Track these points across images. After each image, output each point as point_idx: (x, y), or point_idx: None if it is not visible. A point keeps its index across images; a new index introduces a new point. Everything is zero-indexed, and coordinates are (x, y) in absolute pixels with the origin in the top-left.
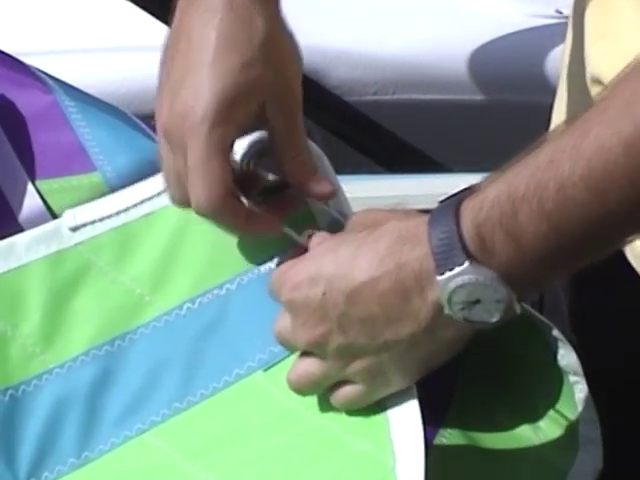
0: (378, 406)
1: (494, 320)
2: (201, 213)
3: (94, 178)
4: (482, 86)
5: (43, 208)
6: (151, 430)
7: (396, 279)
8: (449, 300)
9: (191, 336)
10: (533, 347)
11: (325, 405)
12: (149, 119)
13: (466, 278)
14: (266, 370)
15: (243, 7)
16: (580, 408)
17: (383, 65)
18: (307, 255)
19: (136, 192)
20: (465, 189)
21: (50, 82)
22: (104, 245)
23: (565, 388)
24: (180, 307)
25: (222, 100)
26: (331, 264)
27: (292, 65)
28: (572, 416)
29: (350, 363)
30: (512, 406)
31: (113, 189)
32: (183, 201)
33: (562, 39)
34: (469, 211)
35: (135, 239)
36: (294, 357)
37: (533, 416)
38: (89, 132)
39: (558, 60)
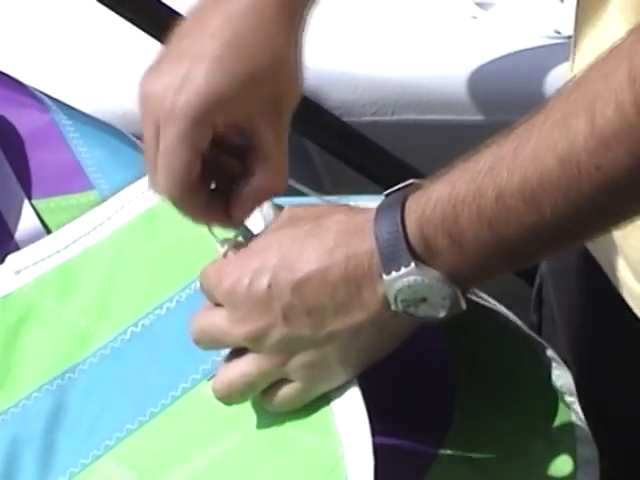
0: (322, 399)
1: (441, 316)
2: (162, 196)
3: (91, 197)
4: (482, 106)
5: (40, 227)
6: (106, 454)
7: (346, 270)
8: (395, 298)
9: (138, 359)
10: (530, 367)
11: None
12: None
13: (412, 279)
14: (210, 379)
15: (268, 19)
16: (577, 428)
17: (382, 86)
18: (247, 250)
19: (72, 230)
20: (409, 184)
21: (48, 101)
22: (47, 283)
23: (562, 408)
24: (125, 332)
25: (213, 98)
26: (275, 257)
27: (292, 89)
28: (569, 437)
29: (290, 358)
30: (511, 426)
31: None
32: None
33: (561, 59)
34: (413, 211)
35: (76, 273)
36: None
37: (532, 437)
38: (86, 151)
39: (558, 80)
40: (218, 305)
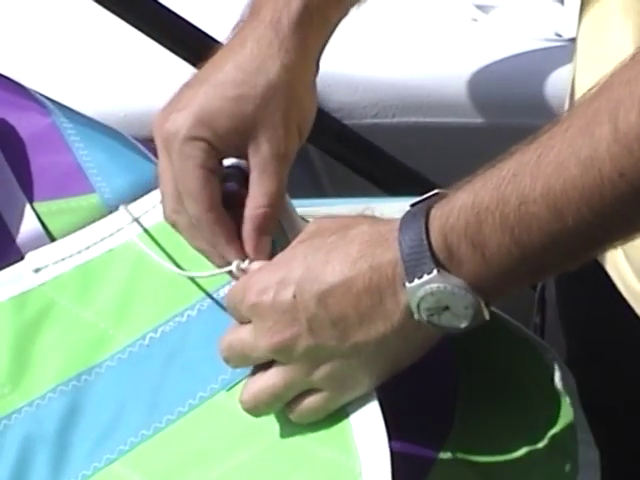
0: (340, 412)
1: (463, 326)
2: (172, 225)
3: (92, 200)
4: (483, 109)
5: (41, 230)
6: (120, 459)
7: (370, 281)
8: (418, 306)
9: (155, 365)
10: (532, 369)
11: (289, 417)
12: (149, 142)
13: (434, 286)
14: (229, 389)
15: (266, 46)
16: (578, 431)
17: (383, 88)
18: (272, 262)
19: (97, 230)
20: (434, 194)
21: (48, 104)
22: (67, 283)
23: (563, 410)
24: (143, 337)
25: (199, 116)
26: (300, 268)
27: (286, 115)
28: (571, 439)
29: (316, 368)
30: (512, 427)
31: (111, 211)
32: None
33: (562, 62)
34: (437, 219)
35: (97, 275)
36: None
37: (533, 438)
38: (87, 154)
39: (559, 83)
40: (244, 323)
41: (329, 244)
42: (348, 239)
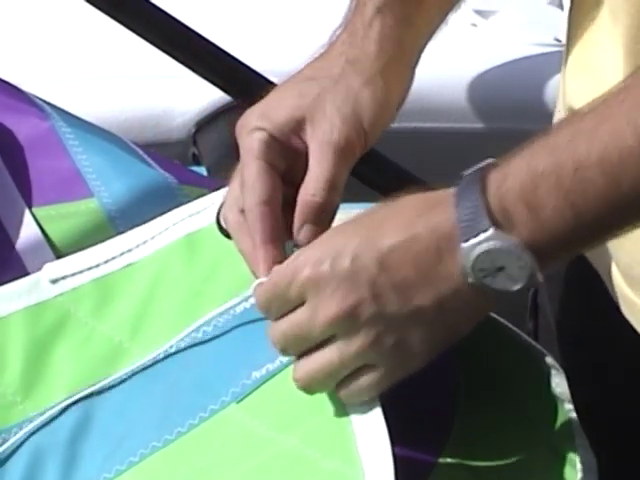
0: (344, 422)
1: (517, 288)
2: (224, 220)
3: (91, 204)
4: (482, 114)
5: (40, 235)
6: (129, 470)
7: (429, 240)
8: (473, 267)
9: (169, 379)
10: (531, 374)
11: (296, 427)
12: (148, 147)
13: (491, 244)
14: (239, 402)
15: (339, 44)
16: (576, 436)
17: None
18: (319, 239)
19: (116, 244)
20: (488, 164)
21: (47, 109)
22: (84, 296)
23: (561, 416)
24: (159, 352)
25: (263, 110)
26: (354, 238)
27: (350, 111)
28: (569, 444)
29: (376, 340)
30: (512, 432)
31: (110, 215)
32: None
33: (561, 67)
34: (493, 183)
35: (115, 289)
36: (267, 385)
37: (532, 443)
38: (86, 158)
39: (558, 87)
40: (291, 311)
41: (379, 215)
42: (398, 207)
